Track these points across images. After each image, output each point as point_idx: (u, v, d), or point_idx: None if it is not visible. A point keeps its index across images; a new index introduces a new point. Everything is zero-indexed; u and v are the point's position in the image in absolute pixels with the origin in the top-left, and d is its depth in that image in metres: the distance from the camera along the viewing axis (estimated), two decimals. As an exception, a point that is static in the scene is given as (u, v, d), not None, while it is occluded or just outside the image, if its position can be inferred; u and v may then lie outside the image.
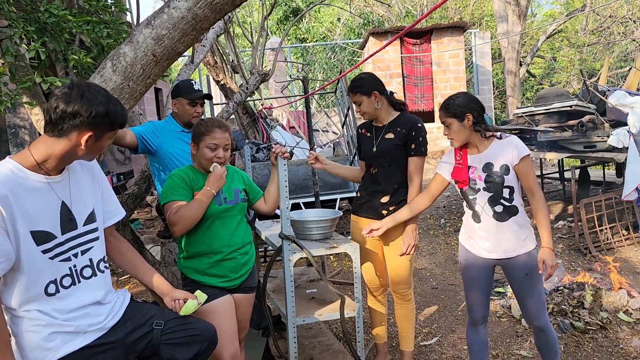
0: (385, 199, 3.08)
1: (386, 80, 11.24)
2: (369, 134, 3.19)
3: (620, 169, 5.83)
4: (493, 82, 14.32)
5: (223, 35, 6.72)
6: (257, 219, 3.84)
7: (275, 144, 2.97)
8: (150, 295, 4.45)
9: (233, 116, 7.08)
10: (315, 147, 6.01)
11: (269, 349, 3.63)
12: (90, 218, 1.90)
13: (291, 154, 2.83)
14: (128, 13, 3.30)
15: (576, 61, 17.96)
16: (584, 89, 6.94)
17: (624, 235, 5.87)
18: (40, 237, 1.73)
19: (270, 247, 4.35)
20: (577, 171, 6.38)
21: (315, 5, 8.74)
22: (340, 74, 7.81)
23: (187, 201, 2.49)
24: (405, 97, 11.35)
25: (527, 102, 18.25)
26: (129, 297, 2.06)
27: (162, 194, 2.55)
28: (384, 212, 3.08)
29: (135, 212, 8.52)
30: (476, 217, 2.72)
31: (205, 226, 2.53)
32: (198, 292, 2.26)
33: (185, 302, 2.11)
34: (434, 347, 3.77)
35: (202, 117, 3.19)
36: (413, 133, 3.00)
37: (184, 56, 8.64)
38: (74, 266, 1.83)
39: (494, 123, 2.66)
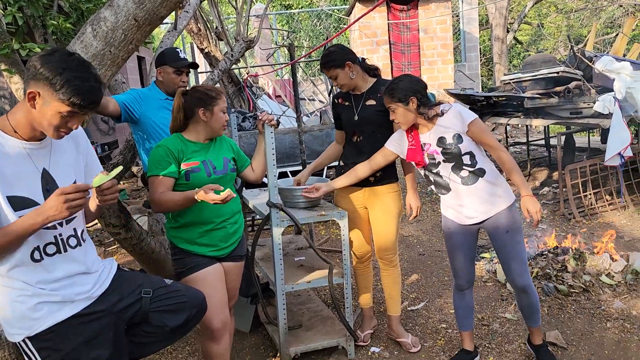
0: (371, 166, 3.08)
1: (373, 48, 11.12)
2: (347, 103, 3.17)
3: (605, 135, 5.86)
4: (480, 49, 14.21)
5: (206, 1, 6.57)
6: (244, 188, 3.82)
7: (261, 112, 2.94)
8: (137, 265, 4.44)
9: (218, 85, 6.98)
10: (301, 115, 5.96)
11: (258, 315, 3.67)
12: None
13: (278, 122, 2.80)
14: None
15: (563, 27, 17.87)
16: (571, 55, 6.93)
17: (607, 201, 5.96)
18: (18, 202, 1.70)
19: (258, 216, 4.35)
20: (563, 138, 6.42)
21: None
22: (326, 39, 7.70)
23: (171, 176, 2.46)
24: (392, 64, 11.24)
25: (514, 69, 18.22)
26: (115, 266, 2.05)
27: (148, 166, 2.52)
28: (372, 179, 3.08)
29: (121, 182, 8.44)
30: (444, 189, 2.78)
31: (195, 197, 2.51)
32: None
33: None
34: (421, 312, 3.83)
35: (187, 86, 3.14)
36: None
37: (167, 23, 8.44)
38: (60, 235, 1.81)
39: (436, 99, 2.73)
